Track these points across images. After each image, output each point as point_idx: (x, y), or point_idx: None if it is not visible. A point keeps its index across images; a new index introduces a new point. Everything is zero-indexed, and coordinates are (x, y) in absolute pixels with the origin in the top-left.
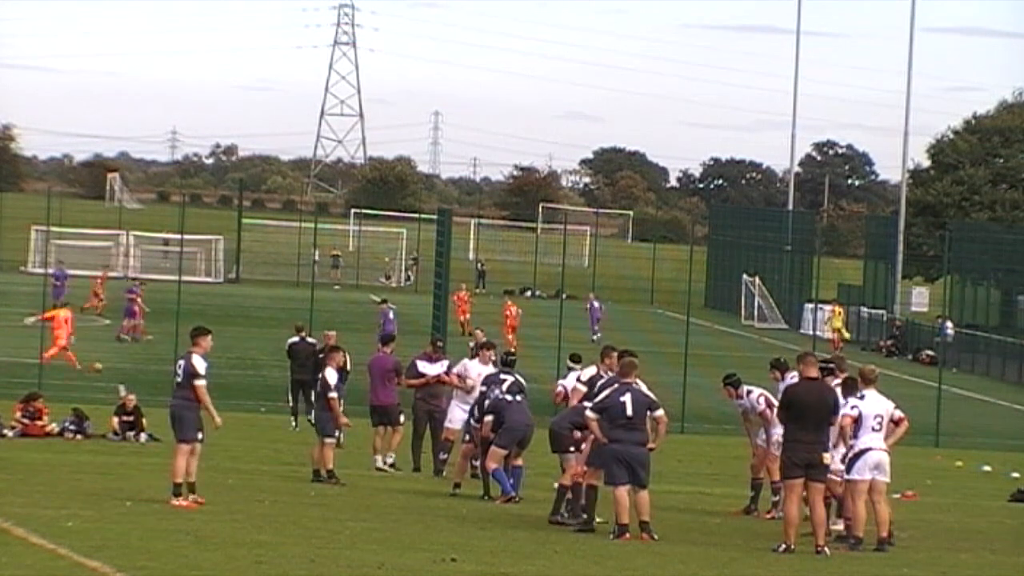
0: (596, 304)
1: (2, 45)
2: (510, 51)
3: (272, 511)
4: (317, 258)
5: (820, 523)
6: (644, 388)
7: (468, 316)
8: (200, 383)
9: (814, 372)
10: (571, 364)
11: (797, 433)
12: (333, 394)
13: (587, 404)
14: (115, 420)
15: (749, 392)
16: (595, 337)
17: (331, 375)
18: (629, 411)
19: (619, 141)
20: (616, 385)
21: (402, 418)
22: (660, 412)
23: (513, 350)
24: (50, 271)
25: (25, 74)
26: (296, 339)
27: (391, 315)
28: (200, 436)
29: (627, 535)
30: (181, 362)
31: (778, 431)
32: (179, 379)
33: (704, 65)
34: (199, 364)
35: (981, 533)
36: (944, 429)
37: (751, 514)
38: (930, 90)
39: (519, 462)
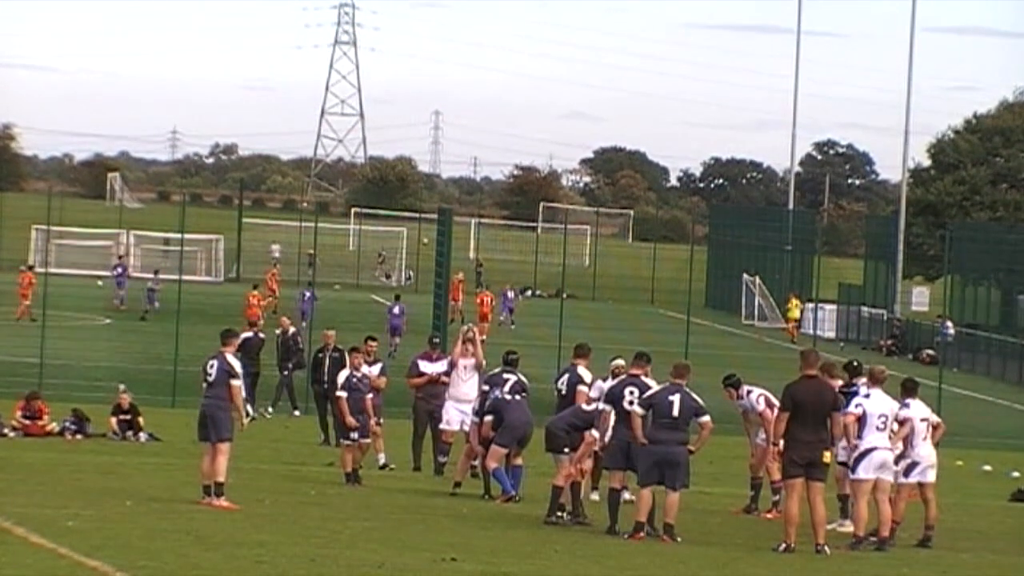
0: (510, 295)
1: (2, 44)
2: (510, 50)
3: (272, 511)
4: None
5: (820, 522)
6: (694, 394)
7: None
8: (236, 383)
9: (813, 371)
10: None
11: (797, 432)
12: (341, 394)
13: (586, 407)
14: (113, 420)
15: (749, 392)
16: (504, 323)
17: (341, 376)
18: (675, 411)
19: (619, 140)
20: (667, 384)
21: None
22: (706, 418)
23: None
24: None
25: (25, 73)
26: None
27: (396, 310)
28: (232, 434)
29: (640, 534)
30: (214, 362)
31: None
32: (211, 378)
33: (704, 65)
34: (236, 363)
35: (981, 533)
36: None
37: (751, 513)
38: (931, 89)
39: (519, 461)
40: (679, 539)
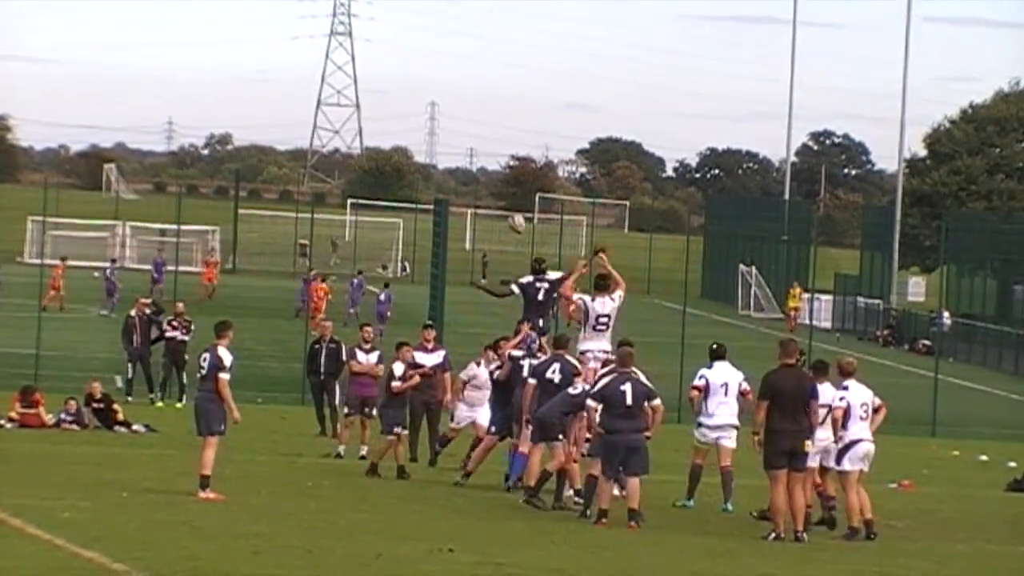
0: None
1: None
2: (507, 41)
3: (269, 502)
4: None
5: (800, 509)
6: (643, 378)
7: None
8: (224, 376)
9: (792, 359)
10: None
11: (779, 422)
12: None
13: (571, 391)
14: (86, 410)
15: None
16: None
17: (397, 368)
18: (629, 400)
19: (616, 131)
20: (616, 374)
21: (374, 411)
22: (657, 402)
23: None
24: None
25: (21, 65)
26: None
27: (382, 297)
28: (223, 427)
29: (604, 521)
30: (206, 355)
31: None
32: (203, 372)
33: (701, 55)
34: (226, 357)
35: (977, 523)
36: (940, 419)
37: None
38: (927, 80)
39: (524, 449)
40: (641, 524)
